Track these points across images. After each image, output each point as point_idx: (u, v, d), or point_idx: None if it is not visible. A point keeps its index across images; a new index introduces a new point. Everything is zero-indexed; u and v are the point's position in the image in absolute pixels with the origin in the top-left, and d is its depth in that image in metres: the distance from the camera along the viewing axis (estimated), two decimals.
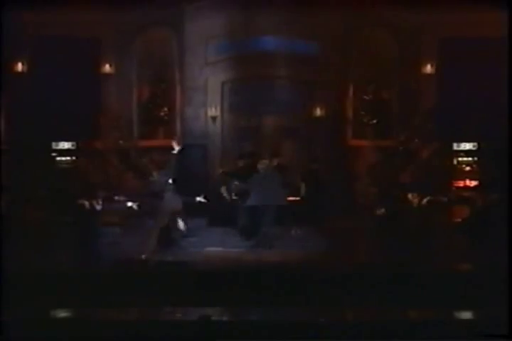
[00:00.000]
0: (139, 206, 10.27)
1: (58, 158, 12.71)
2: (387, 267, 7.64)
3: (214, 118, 13.50)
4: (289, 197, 10.54)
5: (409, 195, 10.45)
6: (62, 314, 6.54)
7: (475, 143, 12.61)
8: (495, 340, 5.25)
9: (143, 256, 8.69)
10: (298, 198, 11.05)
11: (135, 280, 7.32)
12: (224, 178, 10.64)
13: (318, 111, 13.48)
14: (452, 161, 12.65)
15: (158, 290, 7.08)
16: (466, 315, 6.08)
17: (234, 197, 10.37)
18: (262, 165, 9.85)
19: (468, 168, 12.38)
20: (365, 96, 13.43)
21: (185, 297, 6.86)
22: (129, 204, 10.37)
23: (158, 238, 9.09)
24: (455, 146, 12.84)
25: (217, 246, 9.58)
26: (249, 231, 9.68)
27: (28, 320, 5.91)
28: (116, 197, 10.78)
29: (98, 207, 9.76)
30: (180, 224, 9.51)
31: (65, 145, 12.72)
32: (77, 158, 12.65)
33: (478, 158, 12.42)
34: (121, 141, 12.97)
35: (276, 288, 7.03)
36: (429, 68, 13.17)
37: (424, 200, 10.45)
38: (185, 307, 6.69)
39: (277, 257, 8.93)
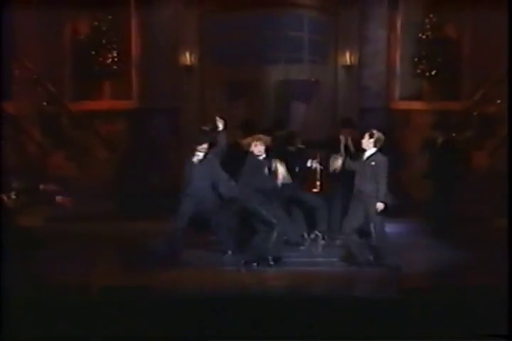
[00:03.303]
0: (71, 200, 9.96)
1: None
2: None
3: (189, 69, 12.85)
4: (308, 188, 10.20)
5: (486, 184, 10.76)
6: None
7: None
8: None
9: None
10: (317, 190, 10.58)
11: (61, 312, 7.17)
12: None
13: (347, 58, 12.74)
14: None
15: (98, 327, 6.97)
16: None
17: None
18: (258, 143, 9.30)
19: None
20: (420, 35, 12.68)
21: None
22: (59, 198, 10.04)
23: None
24: None
25: (198, 263, 9.37)
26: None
27: None
28: (41, 187, 10.32)
29: (11, 203, 9.60)
30: None
31: None
32: None
33: None
34: (45, 103, 12.44)
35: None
36: None
37: None
38: None
39: (289, 279, 8.67)
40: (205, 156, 9.30)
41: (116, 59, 12.85)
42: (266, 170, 9.17)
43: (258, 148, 9.05)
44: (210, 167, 9.34)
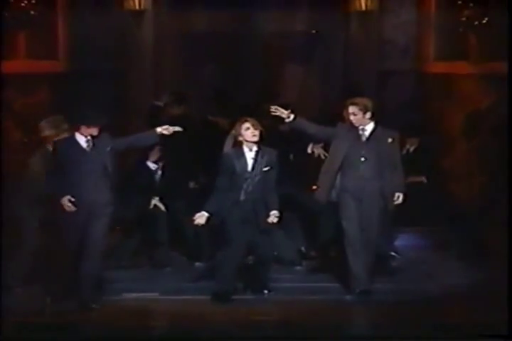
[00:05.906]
0: None
1: None
2: None
3: (138, 16, 12.72)
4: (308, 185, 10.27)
5: None
6: None
7: None
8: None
9: None
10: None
11: None
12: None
13: (361, 1, 12.66)
14: None
15: None
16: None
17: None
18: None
19: None
20: None
21: None
22: None
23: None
24: None
25: (146, 289, 9.61)
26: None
27: None
28: None
29: None
30: None
31: None
32: None
33: None
34: None
35: None
36: None
37: None
38: None
39: (279, 311, 8.85)
40: (94, 143, 8.68)
41: (34, 1, 12.30)
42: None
43: (252, 132, 8.78)
44: (103, 159, 8.75)
